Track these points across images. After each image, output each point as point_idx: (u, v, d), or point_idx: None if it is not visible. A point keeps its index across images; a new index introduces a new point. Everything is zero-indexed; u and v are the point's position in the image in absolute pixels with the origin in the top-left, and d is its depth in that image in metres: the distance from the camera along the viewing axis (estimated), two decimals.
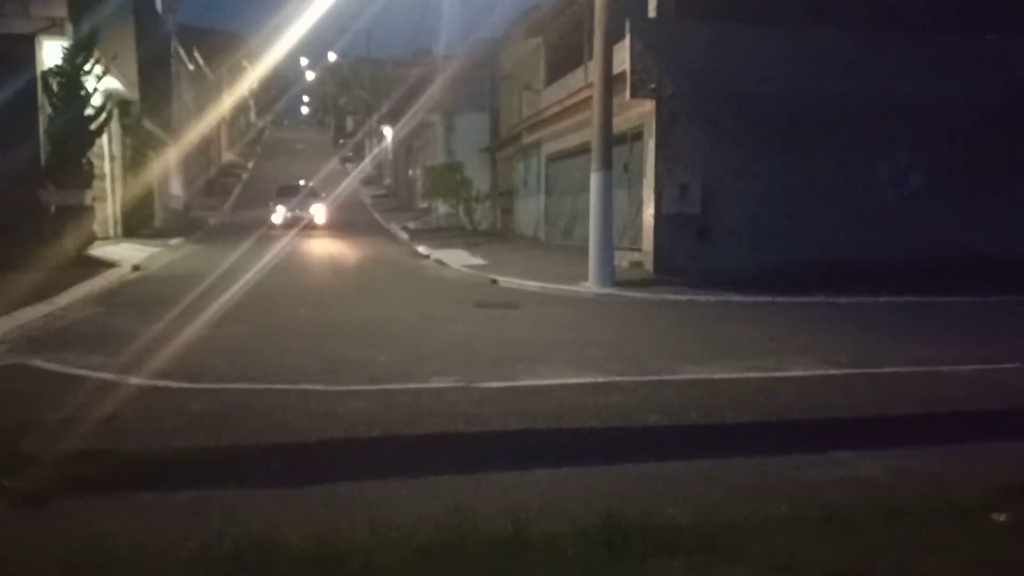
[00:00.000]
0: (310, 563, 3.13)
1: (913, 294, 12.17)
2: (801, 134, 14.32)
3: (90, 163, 14.92)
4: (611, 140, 13.13)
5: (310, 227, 25.52)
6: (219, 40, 39.97)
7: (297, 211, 26.50)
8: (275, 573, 3.07)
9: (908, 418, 5.56)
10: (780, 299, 11.89)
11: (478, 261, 16.98)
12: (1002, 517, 3.81)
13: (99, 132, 15.03)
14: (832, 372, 6.98)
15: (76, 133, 14.00)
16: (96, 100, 14.86)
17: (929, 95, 14.35)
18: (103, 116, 14.93)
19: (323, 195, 28.92)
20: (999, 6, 15.02)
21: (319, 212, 26.96)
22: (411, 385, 6.06)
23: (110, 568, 3.10)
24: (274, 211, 26.50)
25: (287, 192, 28.31)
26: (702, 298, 12.09)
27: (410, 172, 38.44)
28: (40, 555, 3.20)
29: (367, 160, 47.54)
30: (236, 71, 46.34)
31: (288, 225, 25.18)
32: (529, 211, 24.94)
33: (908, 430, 5.39)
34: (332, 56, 56.81)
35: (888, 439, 5.22)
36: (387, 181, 44.93)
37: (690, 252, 14.23)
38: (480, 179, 29.12)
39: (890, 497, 4.16)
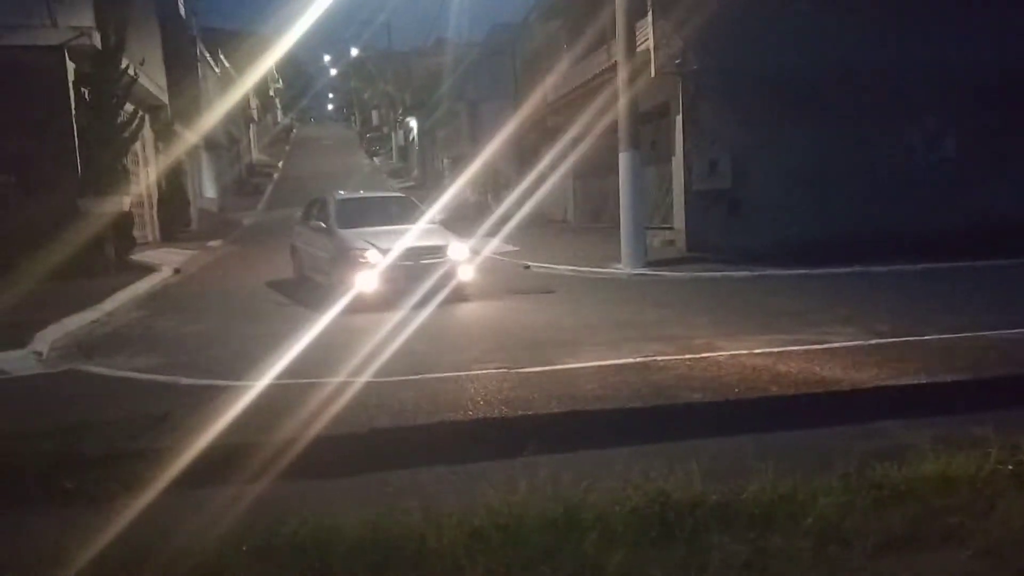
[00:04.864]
0: (367, 549, 3.21)
1: (949, 260, 11.93)
2: (829, 104, 14.07)
3: (126, 169, 15.22)
4: (637, 119, 13.03)
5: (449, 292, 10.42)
6: (242, 41, 40.35)
7: (415, 259, 10.37)
8: (333, 559, 3.15)
9: (954, 385, 5.47)
10: (815, 271, 11.75)
11: (509, 247, 17.01)
12: None
13: (133, 138, 15.32)
14: (874, 342, 6.90)
15: (110, 140, 14.28)
16: (127, 106, 15.13)
17: (957, 57, 13.97)
18: (135, 122, 15.21)
19: (436, 215, 12.62)
20: None
21: (460, 255, 10.76)
22: (453, 373, 6.13)
23: (175, 559, 3.20)
24: (359, 262, 10.22)
25: (365, 213, 11.76)
26: (737, 274, 12.00)
27: (437, 163, 38.51)
28: (103, 553, 3.30)
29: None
30: (261, 71, 46.71)
31: (392, 299, 9.89)
32: (557, 194, 24.86)
33: (954, 398, 5.30)
34: (354, 52, 57.07)
35: (935, 407, 5.17)
36: (415, 172, 45.10)
37: (722, 228, 14.11)
38: (507, 165, 29.10)
39: (939, 465, 4.12)
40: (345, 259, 10.34)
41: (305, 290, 11.64)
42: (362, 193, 14.38)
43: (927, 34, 14.04)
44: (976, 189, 14.38)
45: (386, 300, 9.85)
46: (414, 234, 10.82)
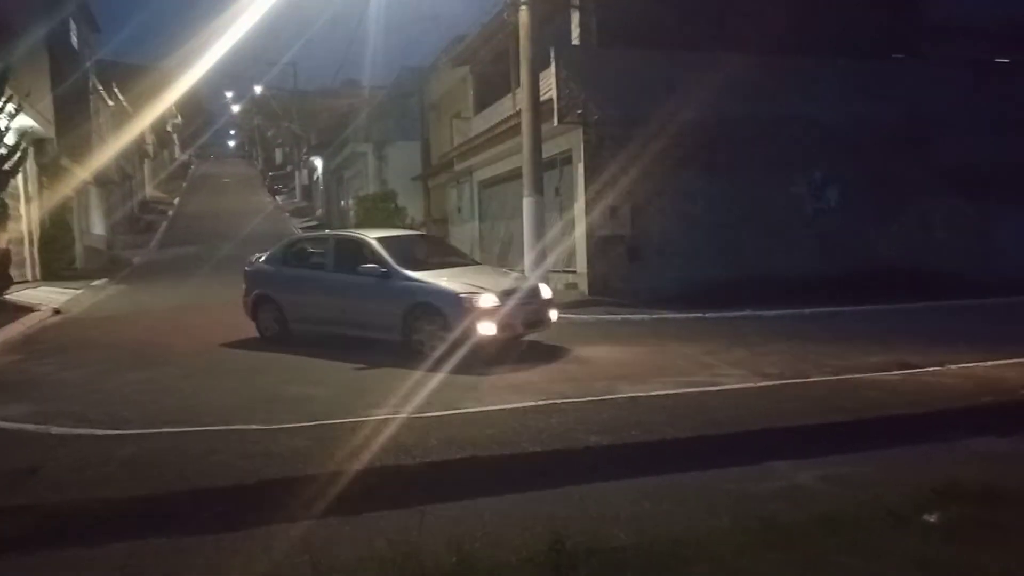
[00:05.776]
0: None
1: (834, 305, 12.61)
2: (722, 154, 14.75)
3: (4, 204, 14.32)
4: (541, 165, 13.30)
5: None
6: (140, 76, 39.01)
7: (529, 302, 9.35)
8: None
9: (839, 425, 5.73)
10: (710, 315, 12.15)
11: None
12: (933, 518, 3.96)
13: (13, 172, 14.45)
14: (764, 384, 7.16)
15: None
16: (9, 139, 14.30)
17: (838, 115, 15.03)
18: (17, 156, 14.36)
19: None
20: (900, 30, 15.87)
21: (548, 295, 9.90)
22: (350, 419, 5.96)
23: None
24: (474, 308, 8.70)
25: (416, 255, 10.34)
26: (636, 317, 12.28)
27: (342, 203, 38.09)
28: None
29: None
30: (158, 106, 45.25)
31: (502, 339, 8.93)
32: (464, 237, 24.98)
33: (839, 438, 5.56)
34: (258, 89, 56.05)
35: (821, 447, 5.38)
36: (319, 212, 44.40)
37: (622, 272, 14.45)
38: (414, 207, 29.06)
39: (826, 505, 4.29)
40: (451, 306, 8.81)
41: (336, 346, 9.43)
42: (392, 232, 11.57)
43: (811, 94, 15.04)
44: (859, 237, 15.33)
45: (496, 349, 8.78)
46: (509, 276, 10.15)
